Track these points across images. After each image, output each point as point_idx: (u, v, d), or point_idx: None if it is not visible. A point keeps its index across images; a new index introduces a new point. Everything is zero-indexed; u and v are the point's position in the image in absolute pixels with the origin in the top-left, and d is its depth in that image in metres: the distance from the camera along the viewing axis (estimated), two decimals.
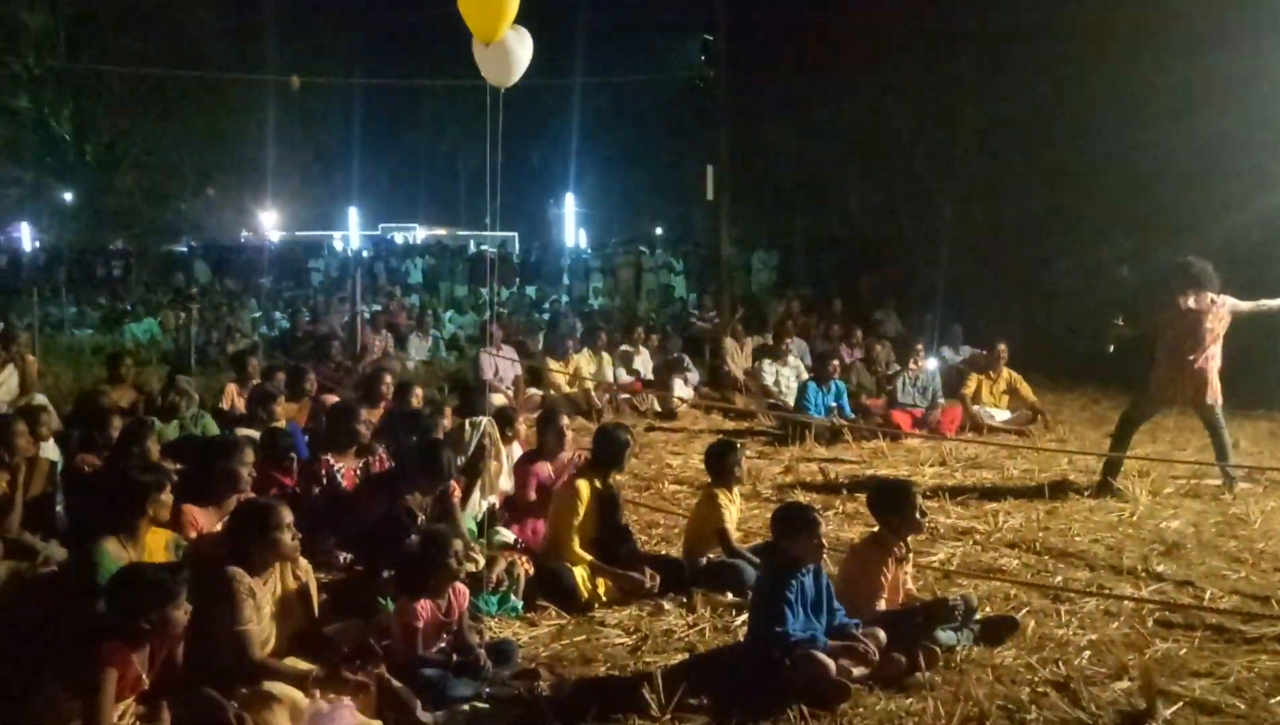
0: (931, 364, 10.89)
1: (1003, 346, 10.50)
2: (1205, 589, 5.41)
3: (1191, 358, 7.35)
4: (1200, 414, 7.60)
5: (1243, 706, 4.03)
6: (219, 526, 4.89)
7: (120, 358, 9.18)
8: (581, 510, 5.46)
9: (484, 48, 5.62)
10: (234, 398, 8.41)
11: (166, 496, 4.54)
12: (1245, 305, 7.47)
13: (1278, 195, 11.82)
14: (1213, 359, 7.39)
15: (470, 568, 5.01)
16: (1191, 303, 7.38)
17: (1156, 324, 7.54)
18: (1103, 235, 15.92)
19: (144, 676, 3.63)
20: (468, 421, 6.70)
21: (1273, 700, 4.07)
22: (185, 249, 29.96)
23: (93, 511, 5.12)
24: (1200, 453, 8.69)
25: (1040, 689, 4.19)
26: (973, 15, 16.23)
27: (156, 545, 4.53)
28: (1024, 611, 5.06)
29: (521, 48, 5.69)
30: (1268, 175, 12.05)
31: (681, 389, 11.71)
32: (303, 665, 3.95)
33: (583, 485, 5.51)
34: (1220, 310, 7.38)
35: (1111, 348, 7.72)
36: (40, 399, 7.37)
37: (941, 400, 10.30)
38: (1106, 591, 5.37)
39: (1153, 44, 13.56)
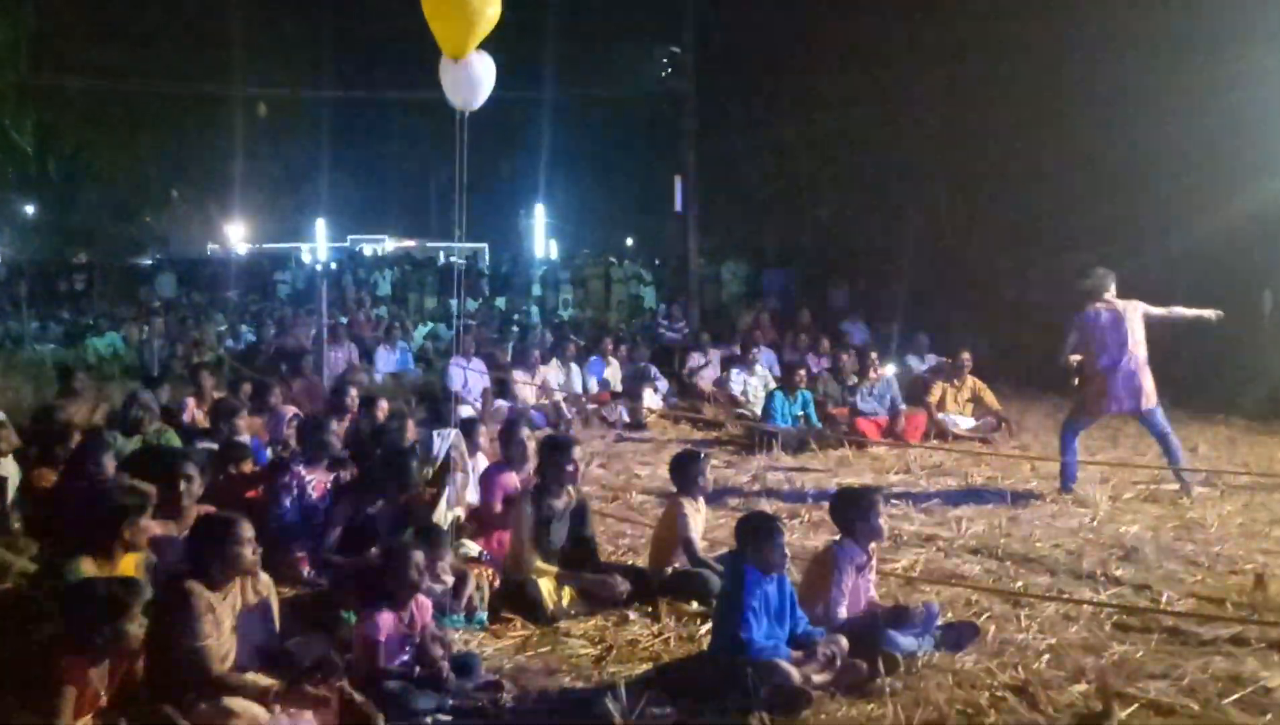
0: (889, 371, 10.99)
1: (967, 355, 10.61)
2: (1162, 592, 5.50)
3: (1123, 362, 7.46)
4: (1143, 421, 7.71)
5: (1196, 707, 4.10)
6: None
7: (72, 371, 9.07)
8: (532, 523, 5.47)
9: (449, 71, 5.64)
10: (193, 411, 8.34)
11: (146, 520, 4.49)
12: (1156, 311, 7.65)
13: (1239, 206, 12.04)
14: (1143, 363, 7.52)
15: (438, 588, 5.00)
16: (1102, 310, 7.55)
17: (1077, 342, 7.68)
18: (1068, 245, 16.12)
19: (102, 693, 3.60)
20: (435, 433, 6.69)
21: (1226, 701, 4.15)
22: (150, 262, 29.65)
23: (59, 528, 5.06)
24: (1159, 458, 8.82)
25: (999, 693, 4.24)
26: (940, 28, 16.41)
27: (127, 566, 4.47)
28: (985, 617, 5.12)
29: (486, 72, 5.72)
30: (1231, 186, 12.27)
31: (651, 399, 11.74)
32: (263, 680, 3.92)
33: (524, 502, 5.54)
34: (1132, 313, 7.54)
35: (1076, 381, 7.88)
36: None
37: (902, 406, 10.39)
38: (1066, 596, 5.45)
39: (1118, 55, 13.77)
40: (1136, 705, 4.09)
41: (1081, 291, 7.74)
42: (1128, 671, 4.43)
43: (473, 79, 5.55)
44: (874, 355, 10.88)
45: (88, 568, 4.23)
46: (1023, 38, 14.99)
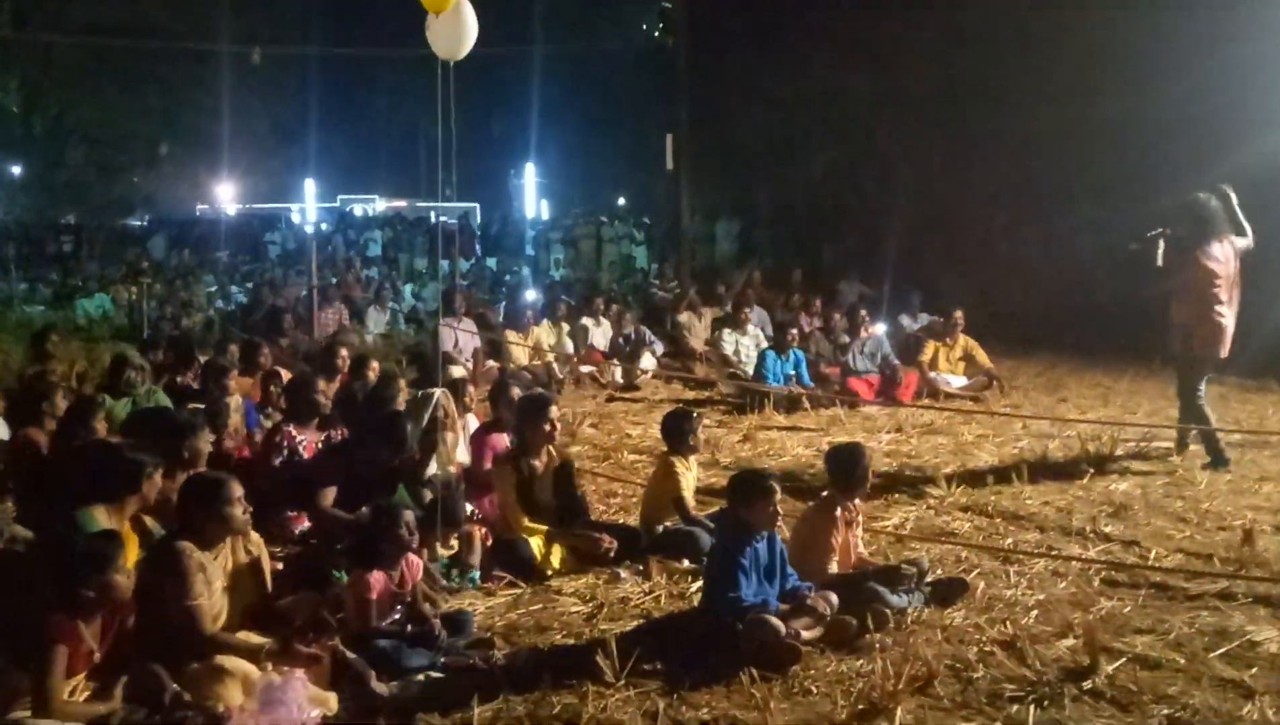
0: (880, 329, 10.99)
1: (959, 314, 10.60)
2: (1150, 548, 5.53)
3: (1232, 305, 7.06)
4: (1215, 370, 7.40)
5: (1182, 661, 4.12)
6: (172, 499, 4.82)
7: (46, 334, 9.04)
8: (514, 485, 5.47)
9: (434, 21, 5.55)
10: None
11: (158, 478, 4.48)
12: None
13: (1236, 163, 11.93)
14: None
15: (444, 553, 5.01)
16: (1223, 244, 7.05)
17: (1190, 276, 7.02)
18: (1062, 204, 16.08)
19: (95, 651, 3.60)
20: (419, 393, 6.67)
21: (1211, 655, 4.17)
22: (139, 223, 29.43)
23: (57, 487, 5.03)
24: (1150, 416, 8.88)
25: (988, 648, 4.26)
26: None
27: (130, 535, 4.46)
28: (974, 573, 5.15)
29: (471, 20, 5.64)
30: (1226, 145, 12.17)
31: (648, 361, 11.73)
32: (255, 639, 3.94)
33: (505, 464, 5.54)
34: (1236, 259, 7.11)
35: (1160, 262, 7.10)
36: None
37: (897, 363, 10.39)
38: (1055, 552, 5.48)
39: (1112, 12, 13.63)
40: (1124, 660, 4.11)
41: (1202, 221, 7.01)
42: (1115, 626, 4.46)
43: (456, 27, 5.46)
44: (864, 313, 10.87)
45: (101, 517, 4.22)
46: None
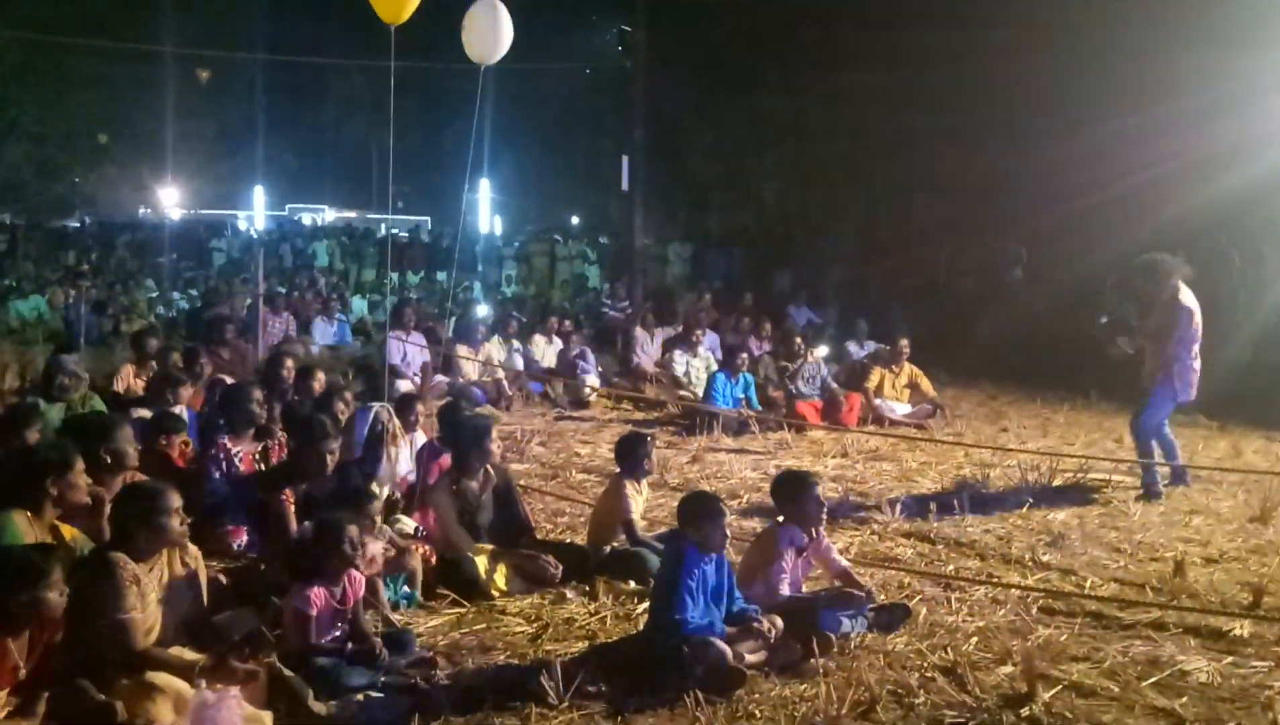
0: (820, 353, 11.14)
1: (905, 342, 10.75)
2: (1086, 578, 5.64)
3: (1197, 350, 7.33)
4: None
5: (1116, 689, 4.21)
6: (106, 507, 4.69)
7: None
8: (451, 504, 5.43)
9: (471, 24, 5.54)
10: (130, 379, 8.11)
11: (75, 477, 4.32)
12: None
13: (1169, 210, 12.30)
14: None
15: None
16: (1189, 297, 7.36)
17: (1165, 323, 7.32)
18: (998, 240, 16.50)
19: (20, 666, 3.48)
20: (360, 408, 6.57)
21: (1145, 683, 4.26)
22: (77, 224, 28.73)
23: None
24: (1087, 448, 9.07)
25: (929, 674, 4.31)
26: (881, 29, 16.55)
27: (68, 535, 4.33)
28: (917, 599, 5.20)
29: (507, 23, 5.65)
30: (1151, 189, 12.55)
31: (593, 378, 11.70)
32: (189, 655, 3.83)
33: (442, 486, 5.52)
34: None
35: (1131, 350, 7.58)
36: None
37: (834, 386, 10.51)
38: (995, 580, 5.56)
39: (1049, 59, 14.04)
40: (1060, 687, 4.18)
41: (1171, 280, 7.33)
42: (1052, 654, 4.52)
43: (493, 30, 5.45)
44: (799, 340, 11.03)
45: (19, 521, 4.09)
46: (956, 45, 15.23)
